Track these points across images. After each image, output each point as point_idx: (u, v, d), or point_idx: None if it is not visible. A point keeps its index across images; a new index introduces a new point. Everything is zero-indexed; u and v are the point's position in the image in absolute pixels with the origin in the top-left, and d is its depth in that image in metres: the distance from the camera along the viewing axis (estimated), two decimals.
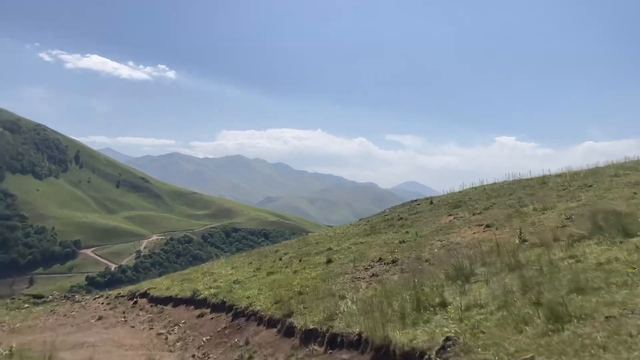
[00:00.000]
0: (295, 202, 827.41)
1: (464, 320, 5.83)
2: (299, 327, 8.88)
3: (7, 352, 11.48)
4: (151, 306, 15.93)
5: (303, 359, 7.69)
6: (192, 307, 14.27)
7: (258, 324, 10.67)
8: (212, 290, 14.33)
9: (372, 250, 14.84)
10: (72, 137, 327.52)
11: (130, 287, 19.86)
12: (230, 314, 12.09)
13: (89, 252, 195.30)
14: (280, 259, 17.92)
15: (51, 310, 19.14)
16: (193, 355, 10.37)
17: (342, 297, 9.68)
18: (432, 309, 6.54)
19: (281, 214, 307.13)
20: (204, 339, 11.32)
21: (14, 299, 22.91)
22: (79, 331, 14.25)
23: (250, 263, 19.12)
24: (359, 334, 6.94)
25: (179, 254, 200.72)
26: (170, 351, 10.92)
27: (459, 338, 5.31)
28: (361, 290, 10.07)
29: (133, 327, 13.92)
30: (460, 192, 24.52)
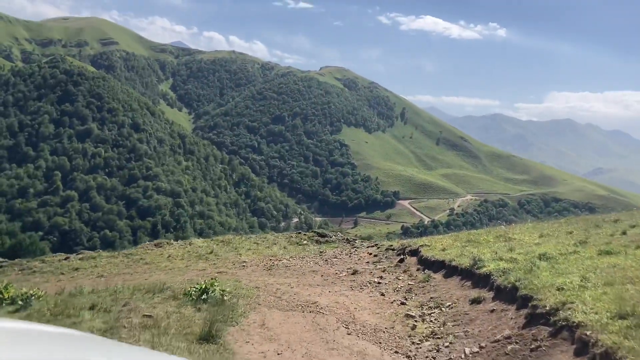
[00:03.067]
0: (632, 176, 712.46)
1: None
2: None
3: (219, 294, 8.91)
4: (417, 269, 11.72)
5: None
6: (468, 282, 9.39)
7: (577, 354, 5.18)
8: (502, 264, 9.09)
9: None
10: (400, 95, 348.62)
11: (406, 241, 16.14)
12: (523, 312, 6.80)
13: (405, 203, 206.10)
14: (624, 233, 11.28)
15: (320, 252, 16.89)
16: None
17: None
18: None
19: (613, 188, 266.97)
20: (467, 351, 6.40)
21: (299, 233, 22.02)
22: (322, 285, 11.05)
23: (571, 233, 12.92)
24: None
25: (491, 217, 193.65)
26: (408, 356, 6.43)
27: None
28: None
29: (383, 295, 9.91)
30: None
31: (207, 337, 6.16)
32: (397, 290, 10.15)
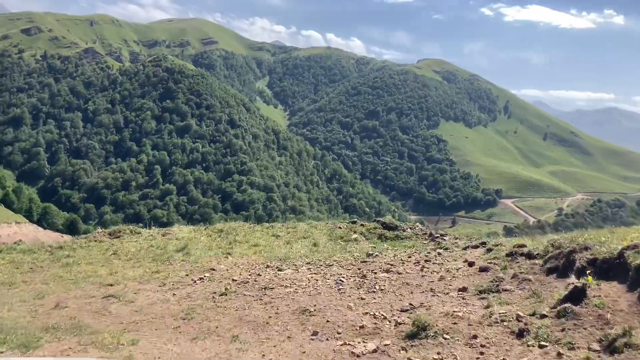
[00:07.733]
0: None
1: None
2: None
3: None
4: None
5: None
6: None
7: None
8: None
9: None
10: (504, 87, 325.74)
11: (566, 235, 7.52)
12: None
13: (508, 202, 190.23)
14: None
15: (368, 256, 8.64)
16: None
17: None
18: None
19: None
20: None
21: (354, 222, 13.74)
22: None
23: None
24: None
25: (606, 218, 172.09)
26: None
27: None
28: None
29: None
30: None
31: None
32: None
